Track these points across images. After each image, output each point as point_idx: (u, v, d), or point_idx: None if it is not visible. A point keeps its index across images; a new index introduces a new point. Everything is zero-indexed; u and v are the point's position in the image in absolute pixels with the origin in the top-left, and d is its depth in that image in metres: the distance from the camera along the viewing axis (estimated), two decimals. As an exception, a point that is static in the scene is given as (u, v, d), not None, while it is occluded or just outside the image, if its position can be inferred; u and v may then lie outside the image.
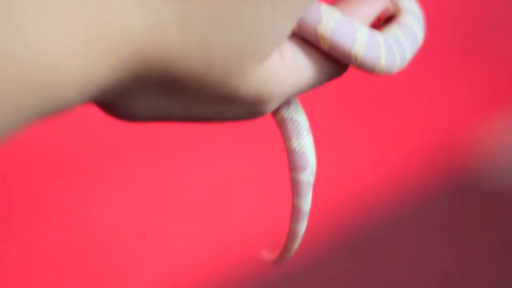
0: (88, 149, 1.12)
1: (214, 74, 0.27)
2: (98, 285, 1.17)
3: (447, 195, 1.40)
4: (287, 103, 0.33)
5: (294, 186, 0.33)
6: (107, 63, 0.25)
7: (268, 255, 0.37)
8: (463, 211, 1.38)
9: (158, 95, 0.28)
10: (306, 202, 0.33)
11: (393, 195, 1.40)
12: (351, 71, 1.33)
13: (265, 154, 1.28)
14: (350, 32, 0.30)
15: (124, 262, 1.19)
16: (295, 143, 0.32)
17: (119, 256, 1.18)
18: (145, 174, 1.18)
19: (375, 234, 1.33)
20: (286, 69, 0.29)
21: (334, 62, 0.31)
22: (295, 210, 0.33)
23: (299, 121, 0.32)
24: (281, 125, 0.32)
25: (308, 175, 0.32)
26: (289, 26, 0.28)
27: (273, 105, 0.30)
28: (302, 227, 0.33)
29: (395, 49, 0.31)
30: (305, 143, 0.32)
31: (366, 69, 0.30)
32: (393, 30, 0.32)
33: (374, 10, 0.32)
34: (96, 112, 1.11)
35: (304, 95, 1.27)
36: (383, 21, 0.33)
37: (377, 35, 0.31)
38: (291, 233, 0.34)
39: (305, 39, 0.30)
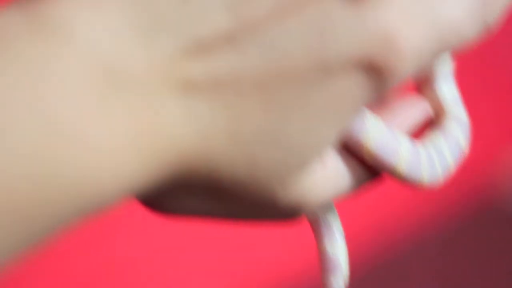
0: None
1: (257, 183, 0.27)
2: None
3: (472, 219, 1.39)
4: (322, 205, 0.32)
5: None
6: (152, 167, 0.25)
7: None
8: (489, 235, 1.36)
9: (198, 197, 0.28)
10: None
11: (418, 219, 1.39)
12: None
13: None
14: (394, 146, 0.30)
15: None
16: (328, 246, 0.32)
17: None
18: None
19: (399, 259, 1.32)
20: (326, 177, 0.29)
21: (372, 170, 0.31)
22: None
23: (333, 224, 0.32)
24: (314, 225, 0.32)
25: (338, 279, 0.32)
26: (334, 138, 0.28)
27: (309, 211, 0.30)
28: None
29: (437, 163, 0.31)
30: (337, 247, 0.32)
31: (409, 184, 0.30)
32: (436, 138, 0.32)
33: (417, 116, 0.32)
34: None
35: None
36: (425, 126, 0.33)
37: (420, 148, 0.31)
38: None
39: (347, 147, 0.30)
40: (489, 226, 1.38)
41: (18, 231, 0.23)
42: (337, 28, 0.26)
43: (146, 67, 0.24)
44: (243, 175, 0.27)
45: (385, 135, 0.30)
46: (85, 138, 0.23)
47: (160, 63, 0.25)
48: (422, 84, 0.34)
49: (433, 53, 0.28)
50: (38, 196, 0.23)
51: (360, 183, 0.31)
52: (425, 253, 1.34)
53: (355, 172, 0.30)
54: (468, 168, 1.44)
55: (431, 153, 0.31)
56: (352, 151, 0.30)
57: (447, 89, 0.33)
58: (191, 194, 0.28)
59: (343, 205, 1.38)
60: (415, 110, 0.32)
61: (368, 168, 0.31)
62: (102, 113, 0.24)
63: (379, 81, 0.27)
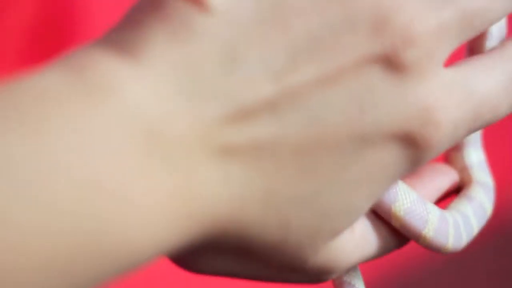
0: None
1: (287, 248, 0.28)
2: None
3: (493, 242, 1.38)
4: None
5: None
6: (186, 227, 0.25)
7: None
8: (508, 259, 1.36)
9: (228, 257, 0.28)
10: None
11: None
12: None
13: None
14: (423, 215, 0.30)
15: None
16: None
17: None
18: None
19: (420, 282, 1.32)
20: (355, 243, 0.30)
21: (400, 236, 0.31)
22: None
23: (357, 286, 0.33)
24: (339, 287, 0.33)
25: None
26: (366, 208, 0.28)
27: (336, 275, 0.30)
28: None
29: (463, 229, 0.32)
30: None
31: (432, 249, 0.31)
32: (462, 205, 0.33)
33: (444, 184, 0.33)
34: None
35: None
36: (451, 190, 0.34)
37: (448, 216, 0.31)
38: None
39: (377, 213, 0.31)
40: (508, 250, 1.37)
41: (56, 286, 0.23)
42: (378, 100, 0.26)
43: (189, 130, 0.25)
44: (275, 239, 0.27)
45: (415, 204, 0.30)
46: (126, 197, 0.24)
47: (202, 127, 0.25)
48: (452, 148, 0.34)
49: (469, 129, 0.28)
50: (78, 252, 0.23)
51: (386, 250, 0.31)
52: (445, 275, 1.33)
53: (382, 239, 0.31)
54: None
55: (458, 221, 0.32)
56: (380, 216, 0.31)
57: (475, 156, 0.34)
58: (220, 254, 0.28)
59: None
60: (443, 178, 0.33)
61: (395, 234, 0.31)
62: (143, 174, 0.24)
63: (416, 155, 0.27)
